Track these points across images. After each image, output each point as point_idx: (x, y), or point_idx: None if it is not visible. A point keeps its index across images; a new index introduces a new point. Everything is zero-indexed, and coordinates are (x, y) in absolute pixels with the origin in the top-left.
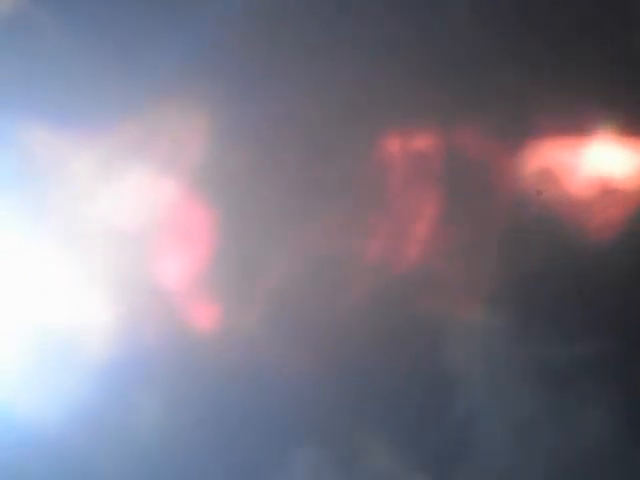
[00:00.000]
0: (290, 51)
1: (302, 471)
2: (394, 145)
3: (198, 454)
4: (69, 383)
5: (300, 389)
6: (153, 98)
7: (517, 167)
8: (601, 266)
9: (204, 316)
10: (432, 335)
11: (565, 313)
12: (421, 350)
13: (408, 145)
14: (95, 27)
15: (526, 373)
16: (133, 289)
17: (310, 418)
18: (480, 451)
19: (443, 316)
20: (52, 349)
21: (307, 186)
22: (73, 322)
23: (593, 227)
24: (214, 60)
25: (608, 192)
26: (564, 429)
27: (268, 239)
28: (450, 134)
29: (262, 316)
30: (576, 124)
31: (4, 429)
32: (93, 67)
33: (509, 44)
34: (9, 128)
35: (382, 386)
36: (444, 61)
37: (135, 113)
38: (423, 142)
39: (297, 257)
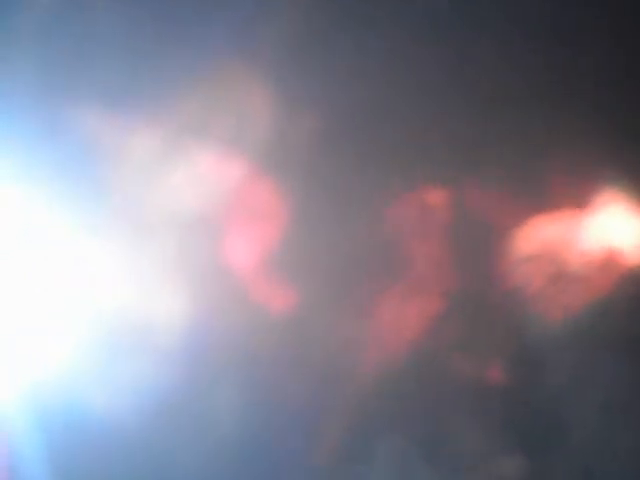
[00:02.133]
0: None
1: (388, 457)
2: (406, 205)
3: (277, 441)
4: (144, 372)
5: (380, 374)
6: (213, 75)
7: (524, 230)
8: None
9: (277, 299)
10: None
11: None
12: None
13: (420, 205)
14: (150, 4)
15: (614, 348)
16: (204, 274)
17: (393, 403)
18: (572, 431)
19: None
20: (125, 339)
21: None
22: (145, 310)
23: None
24: (276, 32)
25: (616, 262)
26: None
27: (337, 217)
28: (460, 195)
29: (334, 295)
30: (586, 188)
31: (79, 420)
32: (149, 46)
33: (521, 103)
34: (67, 113)
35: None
36: (455, 119)
37: (196, 91)
38: (436, 202)
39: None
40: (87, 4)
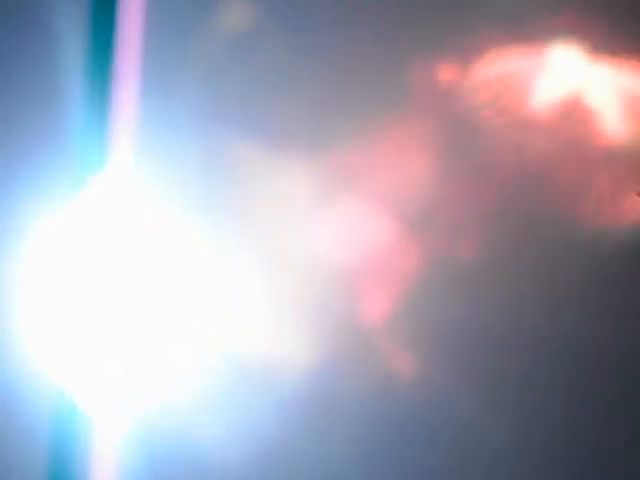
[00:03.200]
0: None
1: None
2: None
3: None
4: (258, 417)
5: (505, 454)
6: (374, 131)
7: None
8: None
9: (403, 363)
10: None
11: None
12: None
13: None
14: (327, 54)
15: None
16: (332, 326)
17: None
18: None
19: None
20: (244, 381)
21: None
22: (267, 355)
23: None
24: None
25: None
26: None
27: (475, 291)
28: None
29: (461, 371)
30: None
31: (188, 455)
32: (318, 92)
33: None
34: (227, 146)
35: None
36: None
37: (355, 144)
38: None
39: (494, 310)
40: (262, 40)
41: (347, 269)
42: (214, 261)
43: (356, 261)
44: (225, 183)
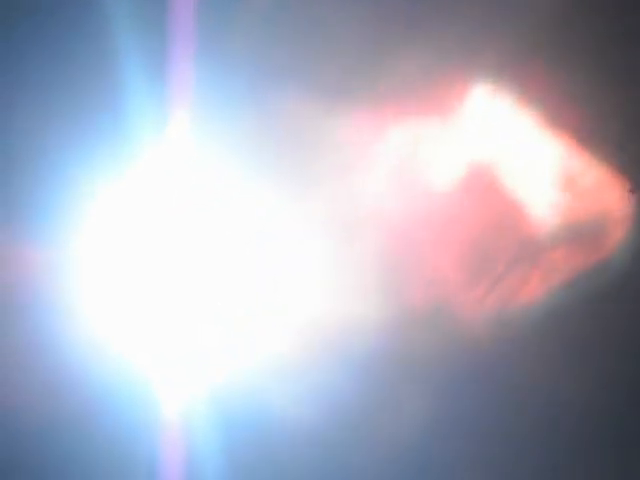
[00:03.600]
0: None
1: None
2: None
3: (458, 464)
4: (330, 379)
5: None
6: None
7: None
8: None
9: (477, 319)
10: None
11: None
12: None
13: None
14: (378, 7)
15: None
16: (404, 282)
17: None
18: None
19: None
20: (315, 344)
21: None
22: (337, 315)
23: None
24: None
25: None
26: None
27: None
28: None
29: (538, 326)
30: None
31: (260, 424)
32: (372, 45)
33: None
34: (281, 99)
35: None
36: None
37: (413, 95)
38: None
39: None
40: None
41: (414, 223)
42: (276, 222)
43: (422, 214)
44: (282, 142)
